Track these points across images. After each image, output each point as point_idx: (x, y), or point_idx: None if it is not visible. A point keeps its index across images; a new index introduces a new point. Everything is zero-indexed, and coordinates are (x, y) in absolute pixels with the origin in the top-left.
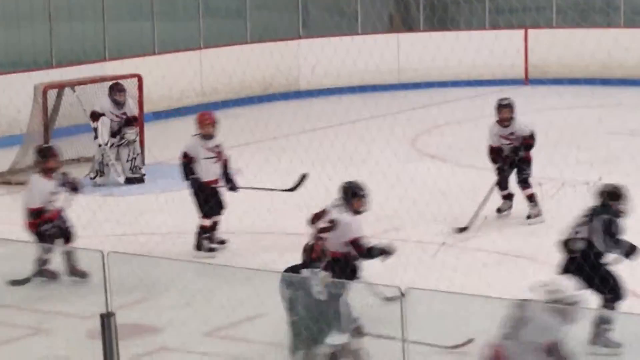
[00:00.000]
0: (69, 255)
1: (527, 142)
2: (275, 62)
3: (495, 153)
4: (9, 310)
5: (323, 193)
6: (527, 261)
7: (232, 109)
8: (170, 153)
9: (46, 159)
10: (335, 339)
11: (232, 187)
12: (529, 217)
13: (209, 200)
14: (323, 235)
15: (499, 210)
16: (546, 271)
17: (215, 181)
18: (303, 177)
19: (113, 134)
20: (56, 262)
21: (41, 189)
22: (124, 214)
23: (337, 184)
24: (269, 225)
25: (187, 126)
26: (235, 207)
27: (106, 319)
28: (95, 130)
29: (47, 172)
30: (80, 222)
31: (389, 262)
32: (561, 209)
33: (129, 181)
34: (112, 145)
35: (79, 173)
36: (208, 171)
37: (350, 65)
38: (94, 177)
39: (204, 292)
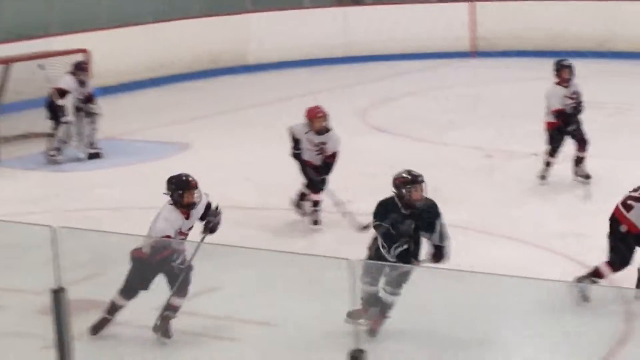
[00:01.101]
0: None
1: (580, 100)
2: (224, 37)
3: (563, 115)
4: None
5: (275, 168)
6: (475, 233)
7: (181, 83)
8: (120, 128)
9: (182, 193)
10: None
11: (320, 180)
12: (587, 177)
13: (313, 177)
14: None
15: (542, 177)
16: (502, 244)
17: (315, 165)
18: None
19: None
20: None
21: (172, 223)
22: (75, 189)
23: (288, 159)
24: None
25: (136, 101)
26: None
27: (57, 294)
28: (61, 107)
29: (181, 206)
30: (30, 197)
31: (337, 236)
32: (509, 181)
33: (90, 156)
34: (73, 122)
35: (28, 149)
36: (310, 156)
37: (298, 39)
38: (54, 155)
39: None
